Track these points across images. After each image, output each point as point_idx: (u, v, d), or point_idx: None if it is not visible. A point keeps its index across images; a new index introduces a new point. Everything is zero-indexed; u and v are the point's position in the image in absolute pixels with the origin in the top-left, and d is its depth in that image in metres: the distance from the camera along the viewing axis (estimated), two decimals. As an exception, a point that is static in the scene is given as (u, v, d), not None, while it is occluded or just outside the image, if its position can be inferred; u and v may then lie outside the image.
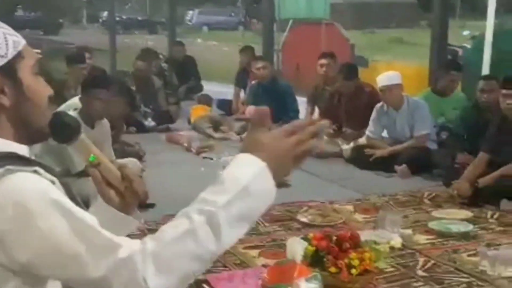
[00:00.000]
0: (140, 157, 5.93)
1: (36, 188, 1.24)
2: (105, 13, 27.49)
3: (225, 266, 3.43)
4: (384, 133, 6.35)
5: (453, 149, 5.80)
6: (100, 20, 35.40)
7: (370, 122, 6.25)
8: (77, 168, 4.15)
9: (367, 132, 6.28)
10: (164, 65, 10.13)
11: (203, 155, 6.57)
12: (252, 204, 1.25)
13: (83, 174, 3.74)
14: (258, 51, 9.74)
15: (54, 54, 12.40)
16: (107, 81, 4.80)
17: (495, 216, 4.48)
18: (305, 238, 3.16)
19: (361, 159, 6.06)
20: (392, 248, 3.71)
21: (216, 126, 7.75)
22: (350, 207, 4.68)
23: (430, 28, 8.67)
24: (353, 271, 2.72)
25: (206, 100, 9.28)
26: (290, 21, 11.28)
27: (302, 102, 7.59)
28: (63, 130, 1.47)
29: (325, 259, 2.78)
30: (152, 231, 1.76)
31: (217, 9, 38.60)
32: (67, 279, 1.26)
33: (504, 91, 4.88)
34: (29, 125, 1.39)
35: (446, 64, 7.10)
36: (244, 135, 7.39)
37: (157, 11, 34.91)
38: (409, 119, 6.04)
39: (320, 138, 1.26)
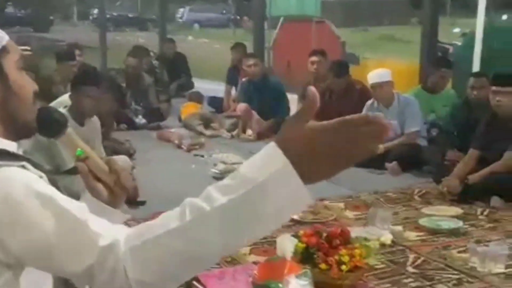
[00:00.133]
0: (130, 155, 5.92)
1: (22, 180, 1.24)
2: (96, 10, 27.36)
3: (216, 263, 3.43)
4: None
5: (443, 146, 5.82)
6: (91, 17, 35.24)
7: (361, 119, 6.25)
8: (67, 166, 4.14)
9: (357, 129, 6.28)
10: (155, 62, 10.12)
11: (194, 152, 6.57)
12: (262, 207, 1.04)
13: (73, 171, 3.73)
14: (249, 48, 9.73)
15: (44, 51, 12.35)
16: (97, 78, 4.77)
17: (485, 213, 4.50)
18: (295, 235, 3.17)
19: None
20: (382, 245, 3.72)
21: (207, 123, 7.76)
22: (341, 204, 4.69)
23: (421, 25, 8.68)
24: (343, 267, 2.72)
25: (197, 98, 9.26)
26: (281, 19, 11.27)
27: (293, 99, 7.59)
28: (50, 125, 1.48)
29: (315, 256, 2.78)
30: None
31: (208, 6, 38.52)
32: (53, 270, 1.26)
33: (494, 88, 4.90)
34: (16, 120, 1.38)
35: (436, 61, 7.12)
36: (234, 132, 7.39)
37: (148, 8, 34.84)
38: (400, 116, 6.05)
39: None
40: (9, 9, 34.39)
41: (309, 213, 4.37)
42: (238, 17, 33.77)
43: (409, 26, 24.00)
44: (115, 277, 1.15)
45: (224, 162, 5.69)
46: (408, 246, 3.79)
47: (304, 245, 2.85)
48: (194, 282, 2.75)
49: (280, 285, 2.57)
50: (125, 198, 1.55)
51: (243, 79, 8.12)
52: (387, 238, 3.82)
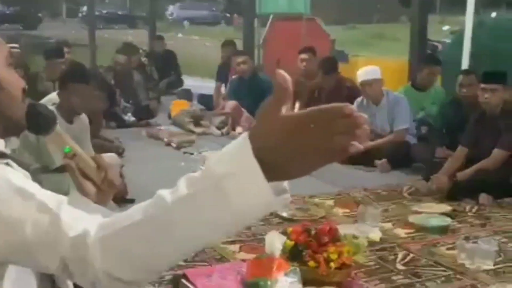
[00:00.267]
0: (120, 152, 5.90)
1: (2, 176, 1.22)
2: (85, 8, 27.23)
3: (205, 261, 3.43)
4: (365, 128, 6.36)
5: (432, 143, 5.85)
6: (80, 15, 35.08)
7: (351, 117, 6.26)
8: (55, 164, 4.11)
9: (347, 127, 6.28)
10: (144, 59, 10.08)
11: (184, 150, 6.56)
12: (222, 203, 0.94)
13: (62, 169, 3.71)
14: (239, 46, 9.72)
15: (33, 49, 12.29)
16: (85, 76, 4.74)
17: (473, 210, 4.52)
18: (284, 233, 3.16)
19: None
20: (371, 242, 3.73)
21: (196, 121, 7.74)
22: (331, 202, 4.70)
23: (410, 23, 8.70)
24: (331, 265, 2.72)
25: (187, 95, 9.25)
26: (271, 16, 11.25)
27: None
28: (39, 121, 1.47)
29: (303, 253, 2.78)
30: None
31: (198, 4, 38.42)
32: (32, 266, 1.25)
33: (482, 85, 4.92)
34: (5, 117, 1.37)
35: (425, 58, 7.16)
36: (224, 130, 7.39)
37: (138, 6, 34.69)
38: (389, 113, 6.07)
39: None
40: (-2, 7, 34.23)
41: (298, 211, 4.38)
42: (228, 15, 33.75)
43: (399, 24, 24.08)
44: (87, 268, 1.11)
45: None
46: (398, 243, 3.80)
47: (292, 243, 2.85)
48: (183, 280, 2.74)
49: (269, 282, 2.57)
50: (113, 195, 1.54)
51: (233, 77, 8.11)
52: (376, 235, 3.83)
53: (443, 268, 3.41)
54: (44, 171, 4.19)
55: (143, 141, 7.07)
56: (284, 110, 0.92)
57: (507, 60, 6.71)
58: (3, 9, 34.06)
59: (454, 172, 4.83)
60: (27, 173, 1.32)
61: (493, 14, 9.03)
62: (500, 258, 3.51)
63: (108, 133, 6.63)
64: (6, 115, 1.37)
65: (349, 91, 6.55)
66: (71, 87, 4.49)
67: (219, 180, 0.93)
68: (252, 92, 7.40)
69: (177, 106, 8.29)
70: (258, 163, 0.91)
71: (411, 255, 3.60)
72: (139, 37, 17.33)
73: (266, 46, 11.32)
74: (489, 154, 4.78)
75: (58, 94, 4.62)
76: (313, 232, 2.86)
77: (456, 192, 4.74)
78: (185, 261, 3.41)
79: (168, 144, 6.79)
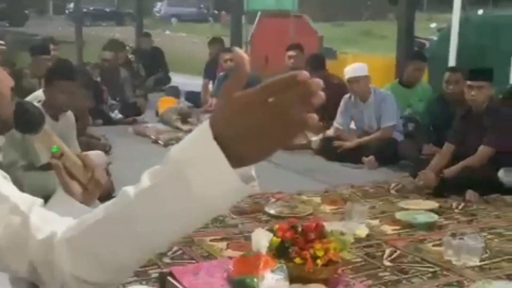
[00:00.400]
0: (106, 150, 5.87)
1: None
2: (72, 5, 27.08)
3: (192, 259, 3.42)
4: (352, 125, 6.38)
5: (419, 140, 5.87)
6: (67, 12, 34.86)
7: (338, 114, 6.27)
8: (41, 161, 4.08)
9: (335, 124, 6.30)
10: (131, 56, 10.04)
11: (171, 147, 6.52)
12: (185, 192, 0.89)
13: (48, 167, 3.68)
14: (227, 43, 9.71)
15: (19, 46, 12.20)
16: (71, 73, 4.69)
17: (460, 207, 4.54)
18: (270, 230, 3.16)
19: (329, 150, 6.08)
20: (358, 238, 3.73)
21: (184, 118, 7.71)
22: (318, 199, 4.70)
23: (397, 20, 8.72)
24: (318, 261, 2.71)
25: (174, 92, 9.22)
26: (259, 13, 11.25)
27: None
28: (27, 120, 1.45)
29: (290, 250, 2.77)
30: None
31: (186, 1, 38.32)
32: (4, 269, 1.23)
33: (469, 82, 4.93)
34: None
35: (411, 55, 7.19)
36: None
37: (125, 2, 34.53)
38: (376, 110, 6.08)
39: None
40: (-16, 4, 33.94)
41: (286, 208, 4.38)
42: (216, 12, 33.68)
43: (386, 21, 24.12)
44: (54, 271, 1.09)
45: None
46: (385, 240, 3.80)
47: (279, 240, 2.84)
48: (169, 278, 2.73)
49: (256, 280, 2.56)
50: (99, 194, 1.53)
51: (221, 74, 8.10)
52: (362, 231, 3.83)
53: (429, 265, 3.42)
54: (30, 169, 4.16)
55: (130, 139, 7.04)
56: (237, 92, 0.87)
57: (493, 57, 6.75)
58: (-11, 6, 33.80)
59: (441, 169, 4.85)
60: (6, 174, 1.29)
61: (480, 12, 9.06)
62: (486, 255, 3.52)
63: (95, 130, 6.59)
64: None
65: (337, 88, 6.54)
66: (57, 84, 4.45)
67: (180, 167, 0.89)
68: (239, 89, 7.38)
69: (164, 103, 8.27)
70: (220, 148, 0.86)
71: (398, 251, 3.61)
72: (126, 34, 17.28)
73: (254, 43, 11.31)
74: (475, 151, 4.80)
75: (43, 91, 4.58)
76: (299, 229, 2.86)
77: (442, 189, 4.76)
78: (172, 258, 3.41)
79: (156, 141, 6.77)
